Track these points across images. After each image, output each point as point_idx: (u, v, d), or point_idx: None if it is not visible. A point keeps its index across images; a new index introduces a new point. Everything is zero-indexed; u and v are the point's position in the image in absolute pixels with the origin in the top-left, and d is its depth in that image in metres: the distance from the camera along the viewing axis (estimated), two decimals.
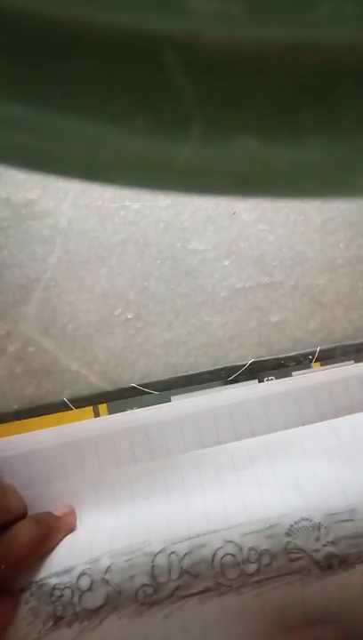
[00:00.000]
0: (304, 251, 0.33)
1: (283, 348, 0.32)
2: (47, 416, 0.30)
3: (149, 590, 0.22)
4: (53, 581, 0.23)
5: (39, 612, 0.22)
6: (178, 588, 0.22)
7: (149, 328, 0.31)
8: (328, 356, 0.31)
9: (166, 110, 0.10)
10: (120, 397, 0.30)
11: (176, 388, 0.31)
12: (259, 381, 0.31)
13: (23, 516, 0.25)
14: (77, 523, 0.26)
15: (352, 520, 0.23)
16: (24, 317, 0.31)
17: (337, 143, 0.10)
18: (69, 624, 0.22)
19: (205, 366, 0.31)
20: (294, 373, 0.31)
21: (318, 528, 0.23)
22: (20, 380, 0.31)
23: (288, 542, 0.23)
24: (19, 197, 0.32)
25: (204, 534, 0.23)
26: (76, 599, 0.22)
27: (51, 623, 0.22)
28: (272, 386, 0.30)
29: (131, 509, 0.26)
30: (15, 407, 0.30)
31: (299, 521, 0.23)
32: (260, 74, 0.09)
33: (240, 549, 0.23)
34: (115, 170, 0.11)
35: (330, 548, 0.23)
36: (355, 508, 0.24)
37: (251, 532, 0.23)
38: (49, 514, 0.25)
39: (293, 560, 0.23)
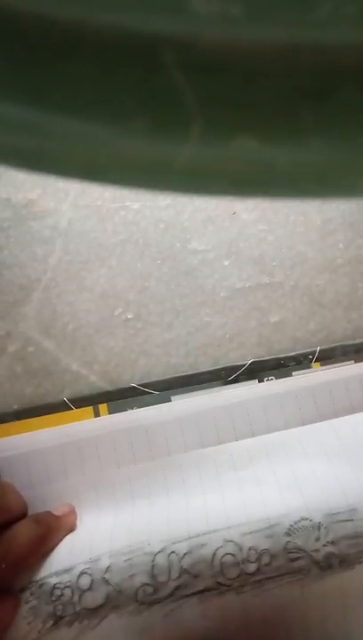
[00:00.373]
0: (304, 251, 0.33)
1: (283, 348, 0.32)
2: (47, 416, 0.30)
3: (149, 590, 0.22)
4: (53, 581, 0.23)
5: (39, 611, 0.22)
6: (178, 587, 0.22)
7: (149, 328, 0.32)
8: (328, 356, 0.32)
9: (166, 111, 0.10)
10: (120, 397, 0.30)
11: (176, 388, 0.31)
12: (259, 381, 0.31)
13: (23, 515, 0.25)
14: (77, 522, 0.26)
15: (352, 520, 0.23)
16: (24, 317, 0.31)
17: (337, 144, 0.10)
18: (69, 623, 0.22)
19: (205, 366, 0.31)
20: (294, 373, 0.31)
21: (318, 528, 0.23)
22: (20, 379, 0.31)
23: (288, 542, 0.23)
24: (19, 198, 0.32)
25: (204, 534, 0.23)
26: (76, 598, 0.22)
27: (51, 622, 0.22)
28: (272, 386, 0.30)
29: (131, 509, 0.26)
30: (15, 407, 0.30)
31: (299, 521, 0.23)
32: (260, 75, 0.09)
33: (240, 549, 0.23)
34: (115, 170, 0.11)
35: (330, 548, 0.23)
36: (355, 508, 0.24)
37: (251, 532, 0.23)
38: (49, 513, 0.25)
39: (293, 560, 0.23)
